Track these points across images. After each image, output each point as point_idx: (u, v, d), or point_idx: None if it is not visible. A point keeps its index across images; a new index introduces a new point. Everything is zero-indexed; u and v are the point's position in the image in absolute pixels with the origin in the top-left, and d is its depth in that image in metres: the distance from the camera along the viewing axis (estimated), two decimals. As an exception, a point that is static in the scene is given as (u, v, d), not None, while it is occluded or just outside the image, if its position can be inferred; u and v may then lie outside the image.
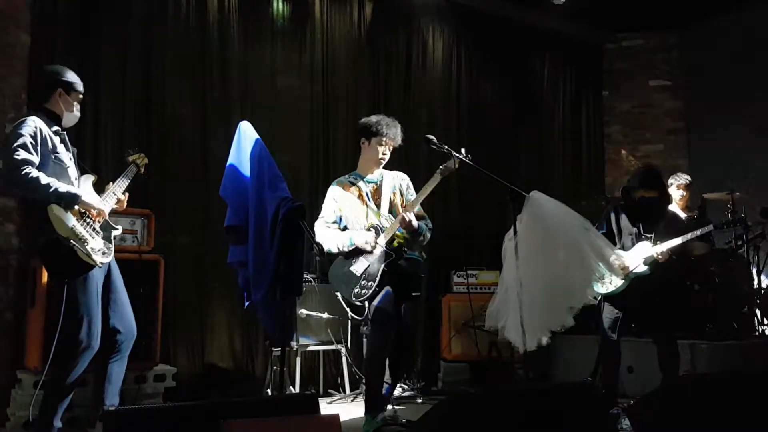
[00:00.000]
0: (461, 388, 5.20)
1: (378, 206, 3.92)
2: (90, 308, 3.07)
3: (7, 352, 4.10)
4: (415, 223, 3.75)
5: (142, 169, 3.58)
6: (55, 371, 3.08)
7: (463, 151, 3.74)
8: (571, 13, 6.80)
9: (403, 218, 3.72)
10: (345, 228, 3.90)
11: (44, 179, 2.96)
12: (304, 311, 4.79)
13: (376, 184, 3.99)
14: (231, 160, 3.72)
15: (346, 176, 4.06)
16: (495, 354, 5.14)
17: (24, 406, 3.65)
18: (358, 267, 3.77)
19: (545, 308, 3.30)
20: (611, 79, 7.52)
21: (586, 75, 7.38)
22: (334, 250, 3.81)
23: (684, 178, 5.58)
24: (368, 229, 3.83)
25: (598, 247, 3.57)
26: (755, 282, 5.38)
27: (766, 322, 5.26)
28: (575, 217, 3.48)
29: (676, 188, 5.55)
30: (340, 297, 3.98)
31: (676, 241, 4.07)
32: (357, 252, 3.78)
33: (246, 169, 3.65)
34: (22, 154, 2.94)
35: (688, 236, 4.11)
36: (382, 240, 3.78)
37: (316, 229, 3.87)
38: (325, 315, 4.89)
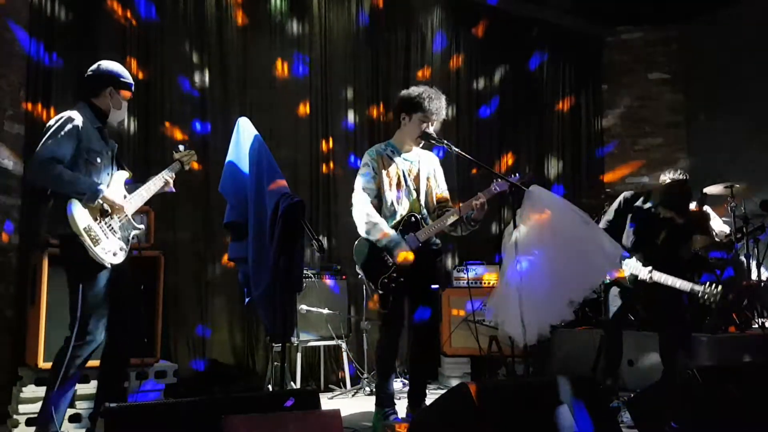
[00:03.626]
0: (462, 383, 5.20)
1: (417, 192, 3.73)
2: (97, 304, 3.09)
3: (8, 349, 4.11)
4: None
5: (187, 167, 3.60)
6: (56, 364, 3.08)
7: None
8: (571, 6, 6.79)
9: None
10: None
11: (67, 176, 3.01)
12: (304, 307, 4.80)
13: (414, 165, 3.76)
14: (230, 156, 3.72)
15: (383, 146, 3.76)
16: (495, 348, 5.14)
17: (25, 402, 3.67)
18: (392, 256, 3.54)
19: (545, 302, 3.31)
20: (611, 73, 7.51)
21: (585, 69, 7.36)
22: (372, 240, 3.55)
23: (677, 173, 5.54)
24: (408, 219, 3.63)
25: (599, 241, 3.58)
26: (755, 274, 5.38)
27: (765, 314, 5.27)
28: (574, 211, 3.49)
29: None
30: (363, 277, 3.66)
31: (673, 282, 3.95)
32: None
33: (245, 166, 3.65)
34: (50, 151, 3.01)
35: (686, 287, 3.93)
36: (423, 236, 3.59)
37: (358, 205, 3.59)
38: (326, 311, 4.90)
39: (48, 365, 3.64)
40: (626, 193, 4.35)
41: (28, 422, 3.60)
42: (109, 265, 3.10)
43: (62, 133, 3.05)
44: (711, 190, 5.46)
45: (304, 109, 5.62)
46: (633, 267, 4.04)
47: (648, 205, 4.21)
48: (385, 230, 3.53)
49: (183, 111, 5.07)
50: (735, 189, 5.27)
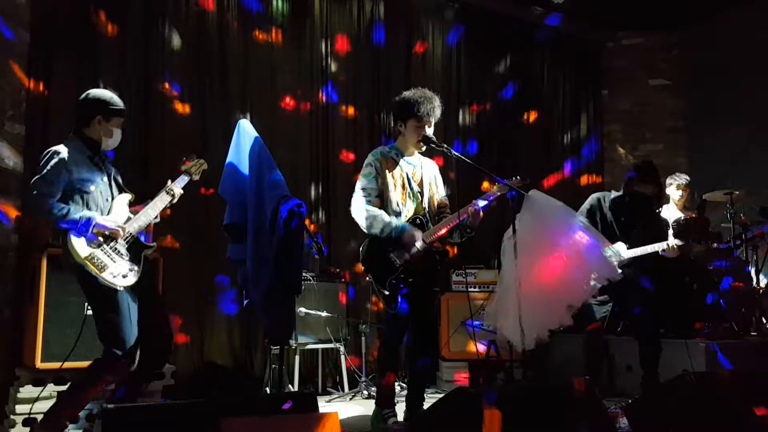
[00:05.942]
0: (460, 387, 5.20)
1: (421, 195, 3.74)
2: (124, 325, 3.10)
3: (6, 349, 4.10)
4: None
5: (196, 177, 3.62)
6: (85, 379, 3.12)
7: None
8: (571, 11, 6.81)
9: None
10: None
11: (57, 210, 3.02)
12: (302, 310, 4.79)
13: (417, 169, 3.78)
14: (230, 158, 3.72)
15: (387, 149, 3.79)
16: (494, 353, 5.14)
17: (22, 403, 3.66)
18: (399, 257, 3.54)
19: (544, 307, 3.31)
20: (611, 78, 7.51)
21: (585, 74, 7.37)
22: (376, 232, 3.54)
23: (683, 178, 5.57)
24: (411, 220, 3.64)
25: (598, 246, 3.58)
26: (753, 281, 5.38)
27: (764, 321, 5.26)
28: (574, 216, 3.49)
29: (675, 188, 5.53)
30: (370, 278, 3.62)
31: (643, 251, 4.19)
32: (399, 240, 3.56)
33: (245, 167, 3.65)
34: (41, 188, 3.04)
35: (655, 247, 4.20)
36: (428, 237, 3.59)
37: (357, 203, 3.60)
38: (324, 313, 4.89)
39: (45, 365, 3.68)
40: (596, 194, 4.53)
41: (25, 422, 3.59)
42: (120, 288, 3.09)
43: (48, 167, 3.06)
44: (711, 196, 5.46)
45: (304, 110, 5.62)
46: (617, 252, 4.15)
47: (620, 194, 4.42)
48: (386, 220, 3.54)
49: (183, 112, 5.07)
50: (735, 195, 5.26)
